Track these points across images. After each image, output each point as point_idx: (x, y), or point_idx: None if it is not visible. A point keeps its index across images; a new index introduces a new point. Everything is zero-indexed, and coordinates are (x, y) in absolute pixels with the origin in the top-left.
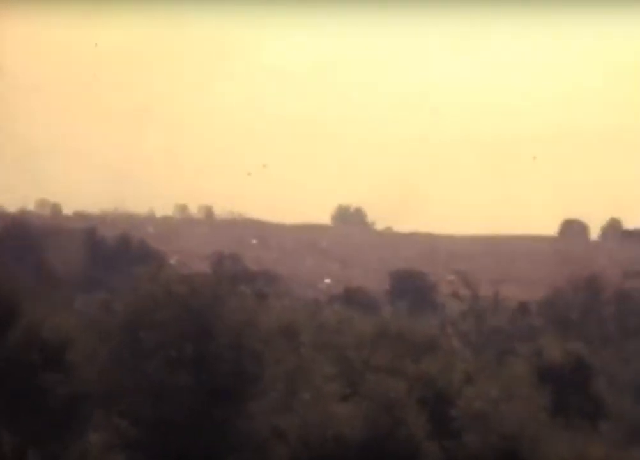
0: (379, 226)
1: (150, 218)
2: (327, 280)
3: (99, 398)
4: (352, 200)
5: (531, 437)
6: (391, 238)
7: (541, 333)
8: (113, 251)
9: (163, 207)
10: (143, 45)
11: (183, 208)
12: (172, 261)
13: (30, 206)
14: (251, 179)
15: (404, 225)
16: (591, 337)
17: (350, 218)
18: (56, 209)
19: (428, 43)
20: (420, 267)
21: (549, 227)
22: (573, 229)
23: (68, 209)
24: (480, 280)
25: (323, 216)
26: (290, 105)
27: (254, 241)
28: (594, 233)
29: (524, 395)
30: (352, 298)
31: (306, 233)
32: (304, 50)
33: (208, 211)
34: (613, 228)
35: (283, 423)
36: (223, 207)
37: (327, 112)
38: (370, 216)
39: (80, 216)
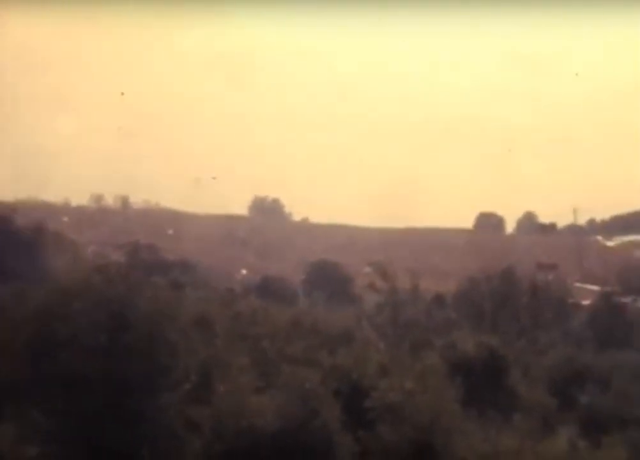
0: (296, 217)
1: (65, 208)
2: (244, 271)
3: (11, 388)
4: (269, 191)
5: (444, 429)
6: (309, 229)
7: (456, 326)
8: (27, 240)
9: (79, 197)
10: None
11: (99, 198)
12: (88, 251)
13: None
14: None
15: (322, 216)
16: (505, 328)
17: (267, 209)
18: None
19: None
20: (337, 258)
21: (465, 219)
22: (488, 221)
23: None
24: (396, 272)
25: (240, 207)
26: (210, 92)
27: (170, 231)
28: (510, 226)
29: (437, 386)
30: (269, 288)
31: (223, 223)
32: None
33: (124, 201)
34: (528, 221)
35: (197, 415)
36: (139, 197)
37: (246, 103)
38: (287, 207)
39: None
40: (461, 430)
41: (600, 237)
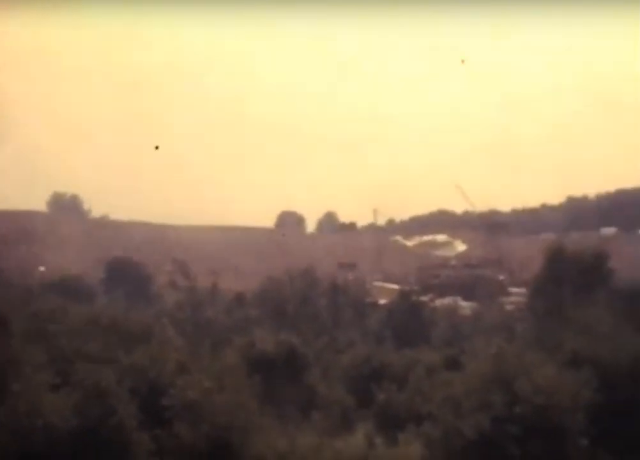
0: (96, 214)
1: None
2: (42, 268)
3: None
4: (69, 188)
5: (242, 427)
6: (109, 226)
7: (256, 324)
8: None
9: None
10: None
11: None
12: None
13: None
14: None
15: (122, 213)
16: (305, 327)
17: (66, 205)
18: None
19: None
20: (137, 256)
21: (266, 218)
22: (289, 220)
23: None
24: (197, 270)
25: (38, 203)
26: None
27: None
28: (311, 226)
29: (236, 385)
30: (67, 286)
31: (20, 220)
32: None
33: None
34: (329, 221)
35: None
36: None
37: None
38: (87, 204)
39: None
40: (259, 428)
41: (399, 237)
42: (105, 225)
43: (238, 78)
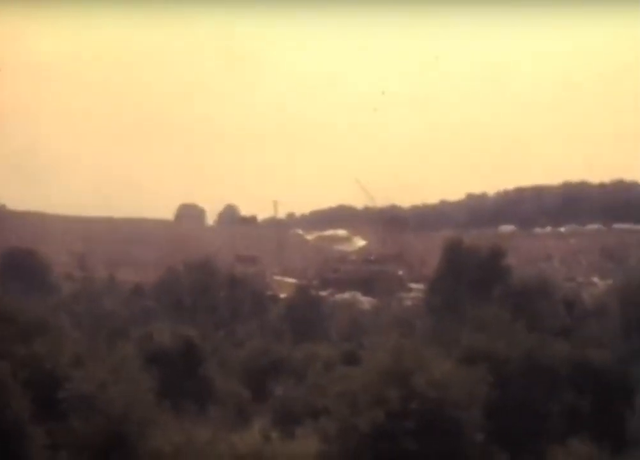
0: None
1: None
2: None
3: None
4: None
5: (138, 420)
6: (5, 217)
7: (154, 316)
8: None
9: None
10: None
11: None
12: None
13: None
14: None
15: (18, 203)
16: (204, 320)
17: None
18: None
19: None
20: (34, 247)
21: (166, 210)
22: (189, 213)
23: None
24: (95, 262)
25: None
26: None
27: None
28: (211, 218)
29: (132, 378)
30: None
31: None
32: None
33: None
34: (229, 213)
35: None
36: None
37: None
38: None
39: None
40: (155, 421)
41: (299, 231)
42: (1, 215)
43: (142, 74)
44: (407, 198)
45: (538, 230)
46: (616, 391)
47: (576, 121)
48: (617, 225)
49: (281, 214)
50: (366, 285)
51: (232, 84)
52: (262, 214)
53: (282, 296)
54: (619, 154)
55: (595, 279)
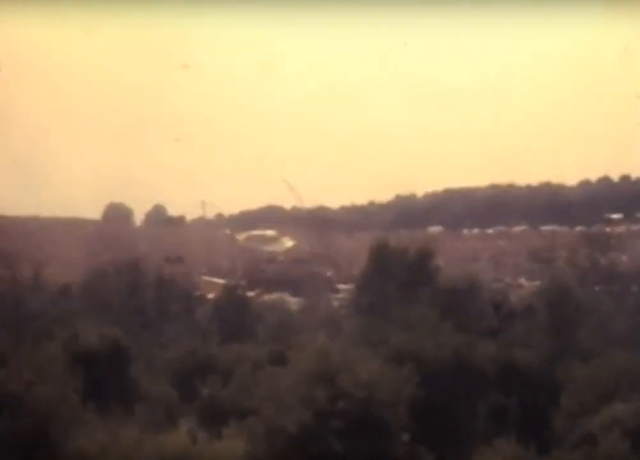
0: None
1: None
2: None
3: None
4: None
5: (64, 420)
6: None
7: (80, 317)
8: None
9: None
10: None
11: None
12: None
13: None
14: None
15: None
16: (131, 321)
17: None
18: None
19: None
20: None
21: (93, 210)
22: (117, 213)
23: None
24: (20, 261)
25: None
26: None
27: None
28: (139, 218)
29: (57, 378)
30: None
31: None
32: None
33: None
34: (157, 213)
35: None
36: None
37: None
38: None
39: None
40: (81, 422)
41: (228, 231)
42: None
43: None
44: (335, 198)
45: (465, 231)
46: (542, 391)
47: (503, 122)
48: (544, 227)
49: (210, 214)
50: (294, 285)
51: (159, 83)
52: (191, 215)
53: (210, 296)
54: (547, 156)
55: (522, 280)
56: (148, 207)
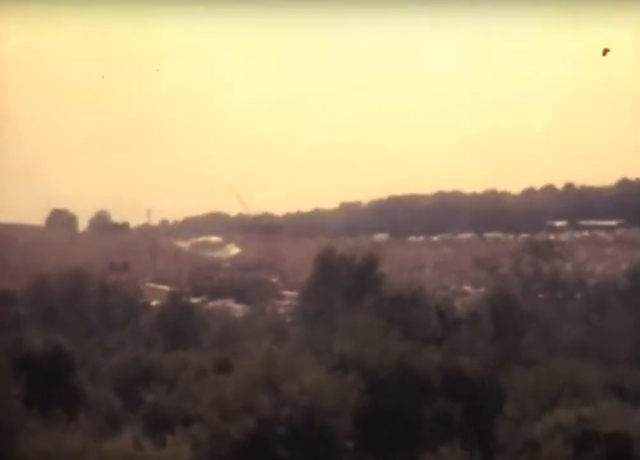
0: None
1: None
2: None
3: None
4: None
5: (5, 427)
6: None
7: (24, 323)
8: None
9: None
10: None
11: None
12: None
13: None
14: None
15: None
16: (75, 327)
17: None
18: None
19: None
20: None
21: (36, 216)
22: (61, 219)
23: None
24: None
25: None
26: None
27: None
28: (82, 224)
29: (0, 384)
30: None
31: None
32: None
33: None
34: (101, 220)
35: None
36: None
37: None
38: None
39: None
40: (24, 429)
41: (173, 238)
42: None
43: None
44: (281, 206)
45: (411, 239)
46: (486, 398)
47: (448, 132)
48: (489, 235)
49: (155, 221)
50: (239, 292)
51: (105, 88)
52: (135, 221)
53: (155, 303)
54: (493, 164)
55: (467, 288)
56: (92, 213)
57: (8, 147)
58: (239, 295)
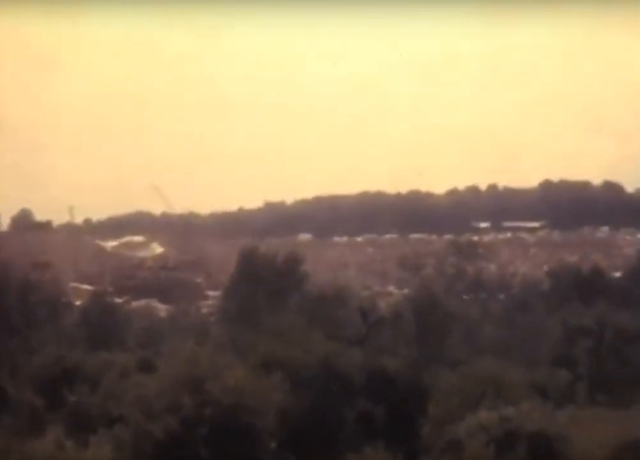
0: None
1: None
2: None
3: None
4: None
5: None
6: None
7: None
8: None
9: None
10: None
11: None
12: None
13: None
14: None
15: None
16: None
17: None
18: None
19: None
20: None
21: None
22: None
23: None
24: None
25: None
26: None
27: None
28: (5, 223)
29: None
30: None
31: None
32: None
33: None
34: (24, 218)
35: None
36: None
37: None
38: None
39: None
40: None
41: (96, 237)
42: None
43: None
44: (205, 205)
45: (335, 239)
46: (409, 398)
47: (370, 131)
48: (413, 235)
49: (78, 219)
50: (163, 292)
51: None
52: (58, 220)
53: (78, 302)
54: (416, 164)
55: (391, 288)
56: (14, 211)
57: None
58: (163, 295)
